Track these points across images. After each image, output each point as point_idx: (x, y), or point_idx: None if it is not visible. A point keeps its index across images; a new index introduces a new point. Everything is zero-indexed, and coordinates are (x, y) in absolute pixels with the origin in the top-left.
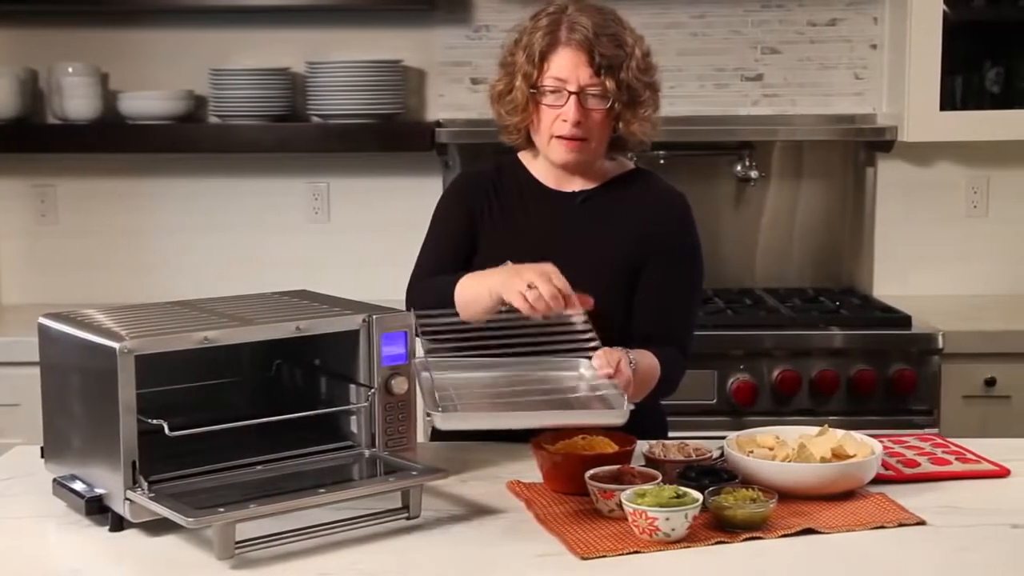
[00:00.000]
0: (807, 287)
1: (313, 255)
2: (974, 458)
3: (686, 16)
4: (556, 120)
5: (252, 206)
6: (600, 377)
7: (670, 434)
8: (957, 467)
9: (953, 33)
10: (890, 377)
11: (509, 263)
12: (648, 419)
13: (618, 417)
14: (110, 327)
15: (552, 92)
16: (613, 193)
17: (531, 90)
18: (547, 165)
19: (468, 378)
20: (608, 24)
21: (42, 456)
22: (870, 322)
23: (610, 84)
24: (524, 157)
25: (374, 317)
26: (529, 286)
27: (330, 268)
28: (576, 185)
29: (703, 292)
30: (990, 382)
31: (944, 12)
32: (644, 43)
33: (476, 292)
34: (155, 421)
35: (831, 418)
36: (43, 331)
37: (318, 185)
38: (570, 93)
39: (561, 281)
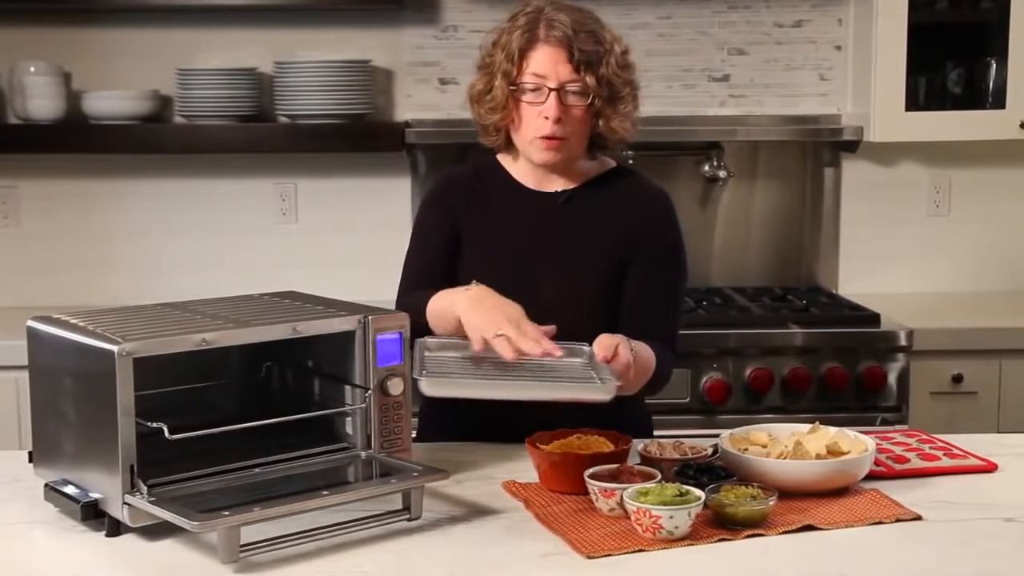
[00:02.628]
0: (773, 286)
1: (281, 256)
2: (961, 453)
3: (653, 17)
4: (537, 118)
5: (219, 207)
6: (599, 362)
7: (656, 432)
8: (946, 463)
9: (915, 35)
10: (860, 374)
11: (475, 283)
12: (634, 418)
13: (603, 392)
14: (105, 330)
15: (532, 90)
16: (595, 192)
17: (511, 88)
18: (527, 166)
19: (460, 356)
20: (586, 22)
21: (30, 461)
22: (840, 320)
23: (590, 80)
24: (504, 159)
25: (369, 318)
26: (497, 335)
27: (298, 269)
28: (557, 185)
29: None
30: (957, 378)
31: None
32: (623, 41)
33: (442, 310)
34: (155, 424)
35: (802, 415)
36: (33, 334)
37: (285, 186)
38: (550, 90)
39: (531, 327)
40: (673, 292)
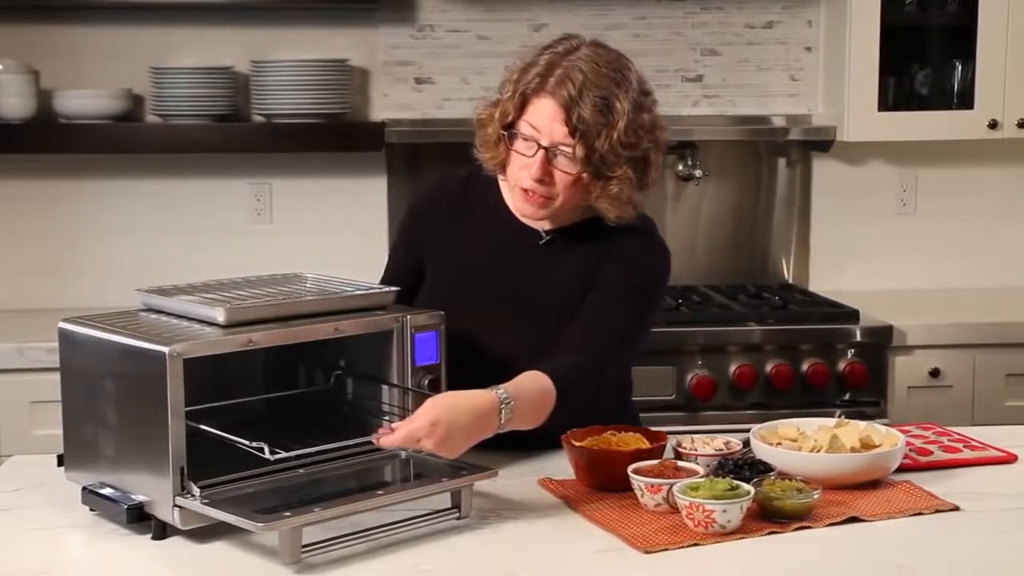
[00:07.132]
0: (746, 284)
1: (255, 257)
2: (980, 445)
3: (628, 18)
4: (523, 169)
5: (192, 207)
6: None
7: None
8: (968, 455)
9: (884, 36)
10: (841, 370)
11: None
12: (625, 417)
13: None
14: (148, 331)
15: (524, 140)
16: (579, 236)
17: (503, 130)
18: None
19: None
20: (604, 82)
21: (59, 464)
22: (820, 317)
23: (580, 150)
24: (502, 181)
25: (408, 317)
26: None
27: (272, 270)
28: (545, 224)
29: (647, 332)
30: (934, 373)
31: None
32: (644, 113)
33: None
34: (208, 428)
35: (784, 411)
36: (66, 336)
37: (260, 186)
38: (540, 146)
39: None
40: (616, 313)
